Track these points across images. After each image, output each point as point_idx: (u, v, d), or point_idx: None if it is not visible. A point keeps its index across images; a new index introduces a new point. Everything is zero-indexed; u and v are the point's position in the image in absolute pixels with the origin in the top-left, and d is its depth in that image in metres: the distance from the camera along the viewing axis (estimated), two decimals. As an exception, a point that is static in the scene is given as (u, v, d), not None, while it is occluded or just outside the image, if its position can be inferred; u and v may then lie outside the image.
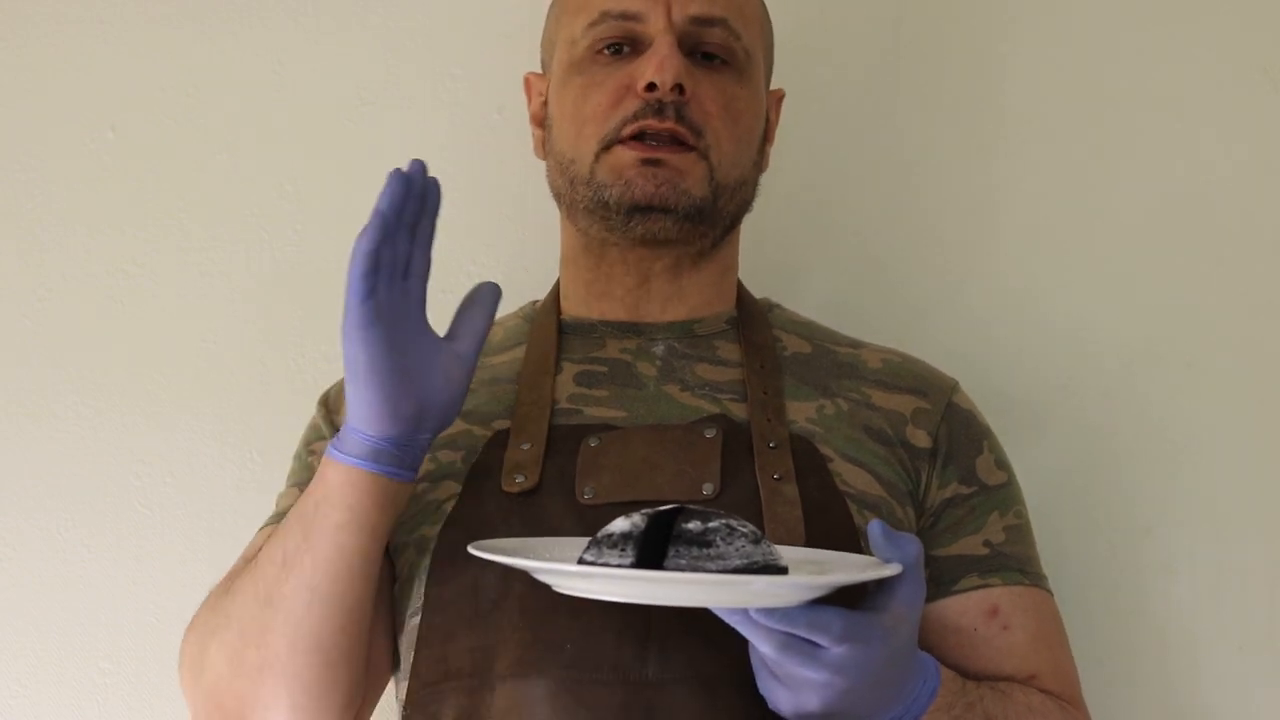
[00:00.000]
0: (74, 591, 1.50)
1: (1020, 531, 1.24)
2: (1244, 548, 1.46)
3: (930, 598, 1.17)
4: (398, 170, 1.05)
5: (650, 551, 0.96)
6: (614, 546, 0.97)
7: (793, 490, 1.13)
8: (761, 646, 0.98)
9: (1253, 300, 1.48)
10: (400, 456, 1.08)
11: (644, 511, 0.98)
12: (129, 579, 1.50)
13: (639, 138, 1.19)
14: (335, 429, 1.24)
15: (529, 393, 1.21)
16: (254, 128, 1.55)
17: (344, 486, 1.08)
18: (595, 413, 1.20)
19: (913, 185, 1.52)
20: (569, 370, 1.23)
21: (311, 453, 1.25)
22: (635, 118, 1.19)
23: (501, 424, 1.19)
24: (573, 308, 1.28)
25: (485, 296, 1.11)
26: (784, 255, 1.50)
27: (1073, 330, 1.49)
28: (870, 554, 1.04)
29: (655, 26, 1.20)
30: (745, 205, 1.27)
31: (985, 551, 1.21)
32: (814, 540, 1.11)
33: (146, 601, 1.49)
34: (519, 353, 1.25)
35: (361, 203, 1.53)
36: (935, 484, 1.22)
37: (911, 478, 1.21)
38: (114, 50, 1.56)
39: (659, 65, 1.18)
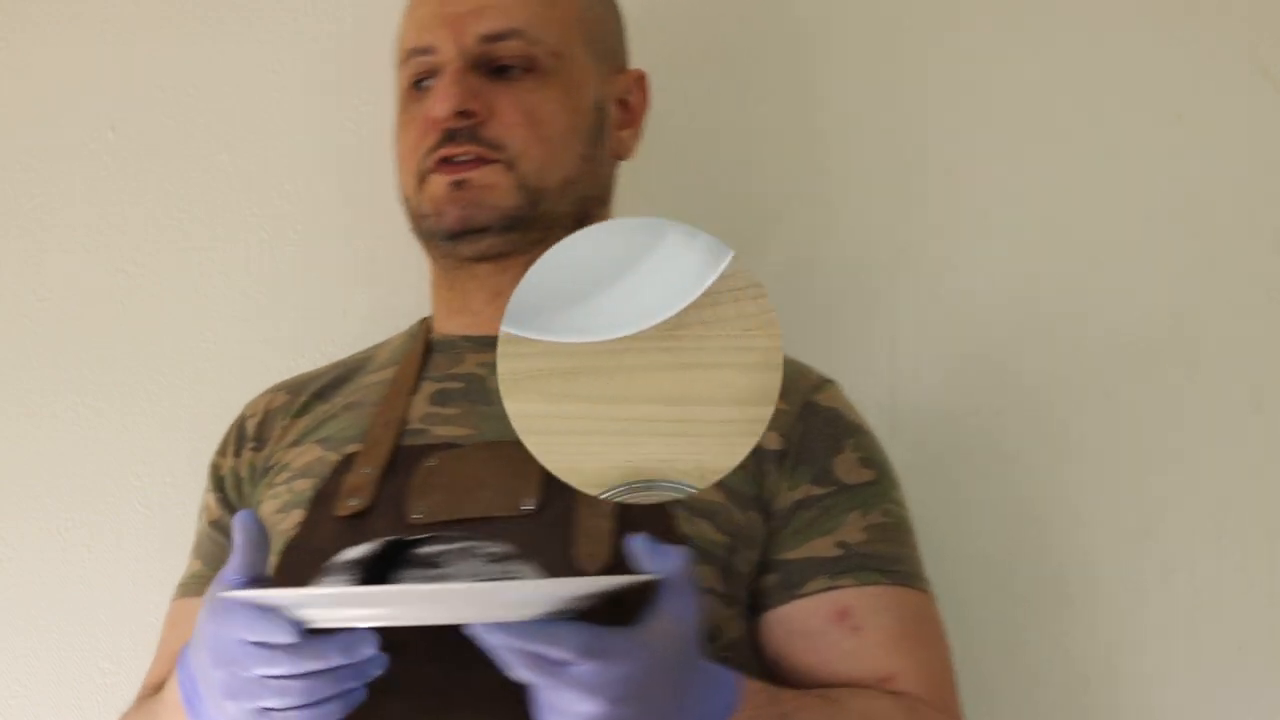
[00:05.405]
0: (74, 591, 1.50)
1: (888, 530, 1.20)
2: (1244, 548, 1.45)
3: (778, 602, 1.16)
4: None
5: (372, 576, 0.94)
6: (341, 573, 0.95)
7: (610, 504, 1.11)
8: (512, 670, 0.94)
9: (1253, 300, 1.48)
10: None
11: (388, 539, 0.97)
12: (129, 579, 1.50)
13: (445, 161, 1.22)
14: (229, 506, 1.28)
15: (382, 414, 1.22)
16: (254, 128, 1.55)
17: None
18: (442, 432, 1.20)
19: (906, 188, 1.52)
20: (427, 389, 1.24)
21: (212, 523, 1.29)
22: (436, 148, 1.22)
23: (353, 448, 1.20)
24: (440, 325, 1.29)
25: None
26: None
27: (1073, 331, 1.49)
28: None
29: (446, 56, 1.23)
30: (590, 200, 1.27)
31: (838, 553, 1.17)
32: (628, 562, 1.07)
33: (146, 602, 1.49)
34: (391, 373, 1.27)
35: (361, 203, 1.54)
36: (785, 486, 1.19)
37: (756, 481, 1.18)
38: (114, 50, 1.56)
39: (436, 98, 1.22)
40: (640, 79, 1.34)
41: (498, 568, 0.94)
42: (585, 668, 0.92)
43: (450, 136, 1.21)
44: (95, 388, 1.53)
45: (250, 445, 1.29)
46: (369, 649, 0.94)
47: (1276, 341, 1.47)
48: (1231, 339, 1.47)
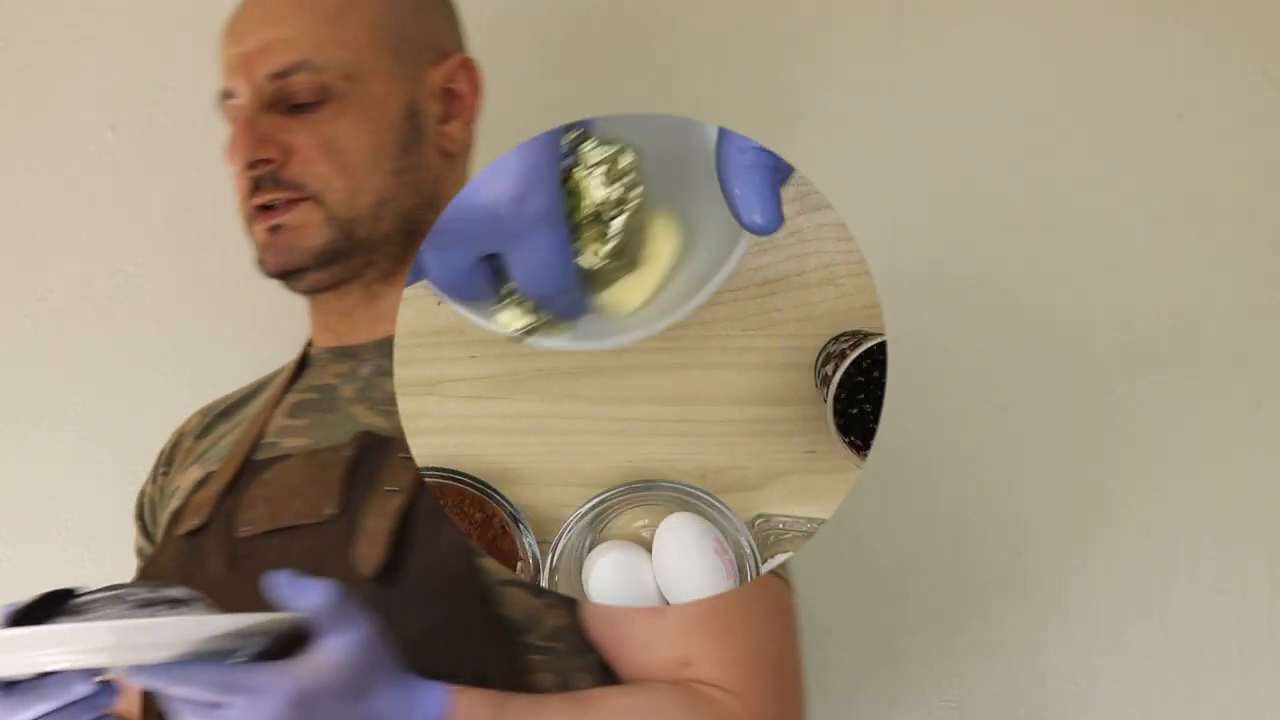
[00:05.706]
0: (74, 591, 1.50)
1: None
2: (1244, 548, 1.46)
3: None
4: None
5: (16, 625, 0.93)
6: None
7: (397, 503, 1.10)
8: (174, 716, 0.94)
9: (1253, 300, 1.48)
10: None
11: (49, 590, 0.96)
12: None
13: (261, 208, 1.21)
14: (147, 534, 1.29)
15: (244, 432, 1.23)
16: (254, 128, 1.55)
17: None
18: (289, 443, 1.20)
19: (893, 190, 1.52)
20: (288, 401, 1.24)
21: (138, 551, 1.30)
22: (249, 196, 1.21)
23: (215, 466, 1.21)
24: (315, 341, 1.30)
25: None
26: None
27: (1072, 330, 1.49)
28: None
29: (244, 100, 1.22)
30: (416, 209, 1.23)
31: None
32: (407, 561, 1.07)
33: (146, 601, 1.50)
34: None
35: (361, 203, 1.54)
36: None
37: None
38: (114, 50, 1.56)
39: (230, 150, 1.21)
40: (465, 64, 1.27)
41: (145, 612, 0.93)
42: (235, 709, 0.92)
43: (257, 184, 1.20)
44: (95, 388, 1.53)
45: (162, 471, 1.30)
46: (82, 688, 0.96)
47: (1276, 341, 1.47)
48: (1231, 339, 1.48)
